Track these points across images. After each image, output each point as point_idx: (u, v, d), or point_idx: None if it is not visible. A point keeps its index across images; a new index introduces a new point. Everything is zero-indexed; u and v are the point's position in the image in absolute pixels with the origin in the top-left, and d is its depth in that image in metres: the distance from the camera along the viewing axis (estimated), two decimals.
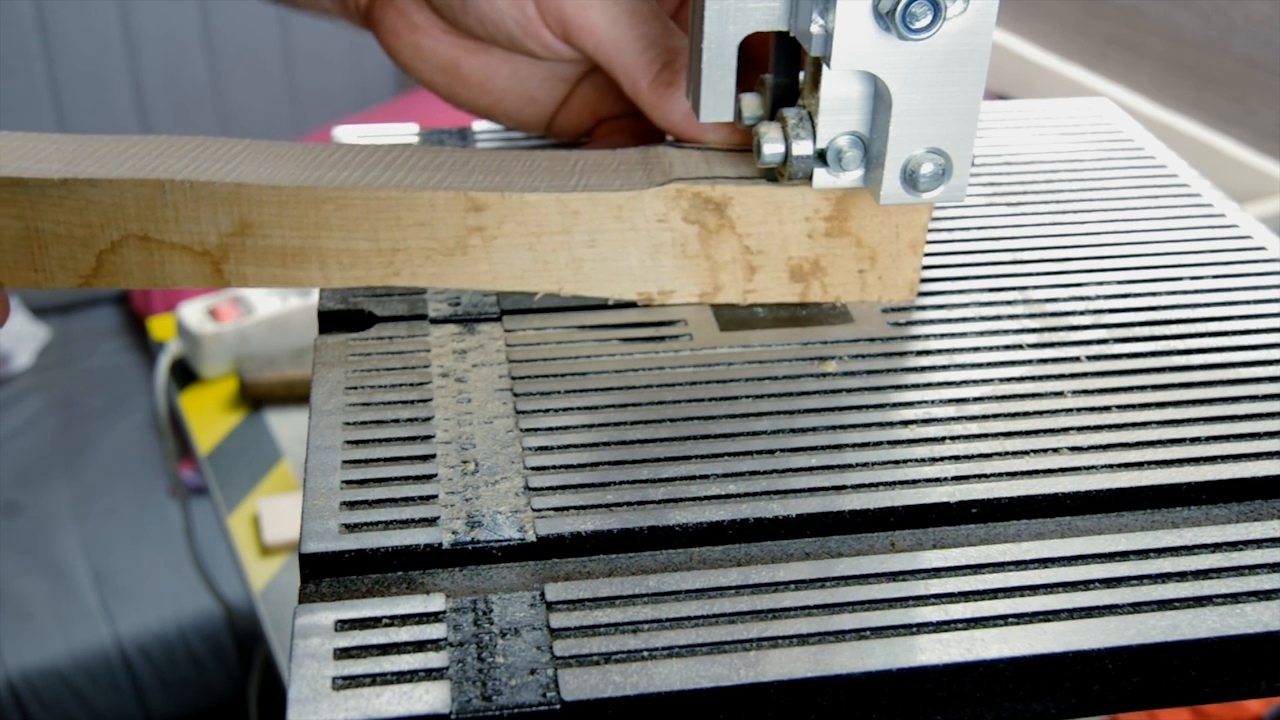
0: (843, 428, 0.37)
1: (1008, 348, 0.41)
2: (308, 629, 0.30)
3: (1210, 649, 0.31)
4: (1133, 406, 0.38)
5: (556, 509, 0.34)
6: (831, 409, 0.38)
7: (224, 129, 2.03)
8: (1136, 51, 1.22)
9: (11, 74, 1.87)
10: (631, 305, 0.42)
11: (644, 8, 0.43)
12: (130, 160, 0.40)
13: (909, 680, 0.30)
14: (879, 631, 0.30)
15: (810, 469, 0.35)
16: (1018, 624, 0.31)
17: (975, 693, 0.30)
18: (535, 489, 0.34)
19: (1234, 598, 0.32)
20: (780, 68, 0.41)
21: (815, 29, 0.37)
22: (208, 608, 1.45)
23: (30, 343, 1.87)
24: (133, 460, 1.65)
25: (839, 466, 0.35)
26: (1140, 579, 0.32)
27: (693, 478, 0.35)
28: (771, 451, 0.36)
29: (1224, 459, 0.36)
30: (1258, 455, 0.36)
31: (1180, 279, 0.45)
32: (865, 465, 0.36)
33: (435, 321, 0.41)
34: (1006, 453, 0.36)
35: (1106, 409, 0.38)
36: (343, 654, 0.29)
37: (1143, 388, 0.39)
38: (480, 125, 0.53)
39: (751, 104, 0.41)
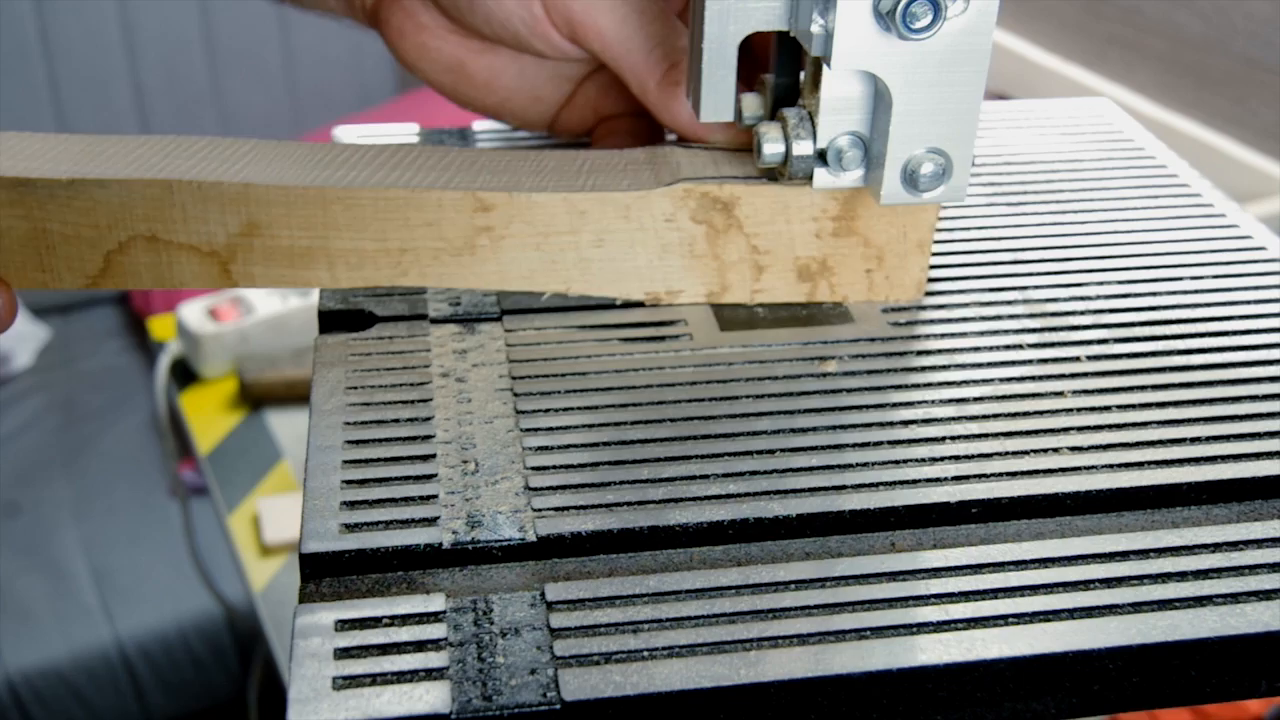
0: (843, 428, 0.37)
1: (1008, 348, 0.41)
2: (308, 629, 0.30)
3: (1210, 649, 0.31)
4: (1133, 406, 0.38)
5: (557, 509, 0.34)
6: (832, 409, 0.38)
7: (224, 129, 2.03)
8: (1136, 51, 1.22)
9: (11, 74, 1.86)
10: (636, 305, 0.42)
11: (651, 7, 0.43)
12: (138, 160, 0.40)
13: (909, 680, 0.30)
14: (879, 631, 0.30)
15: (810, 469, 0.35)
16: (1018, 624, 0.31)
17: (975, 693, 0.30)
18: (535, 489, 0.34)
19: (1234, 598, 0.32)
20: (781, 67, 0.41)
21: (815, 29, 0.37)
22: (208, 608, 1.45)
23: (30, 343, 1.87)
24: (133, 460, 1.65)
25: (839, 466, 0.35)
26: (1140, 579, 0.32)
27: (693, 478, 0.35)
28: (772, 451, 0.36)
29: (1224, 459, 0.36)
30: (1258, 455, 0.36)
31: (1180, 279, 0.45)
32: (865, 465, 0.36)
33: (436, 321, 0.41)
34: (1006, 453, 0.36)
35: (1107, 409, 0.38)
36: (343, 654, 0.29)
37: (1143, 388, 0.39)
38: (481, 125, 0.53)
39: (752, 104, 0.41)
